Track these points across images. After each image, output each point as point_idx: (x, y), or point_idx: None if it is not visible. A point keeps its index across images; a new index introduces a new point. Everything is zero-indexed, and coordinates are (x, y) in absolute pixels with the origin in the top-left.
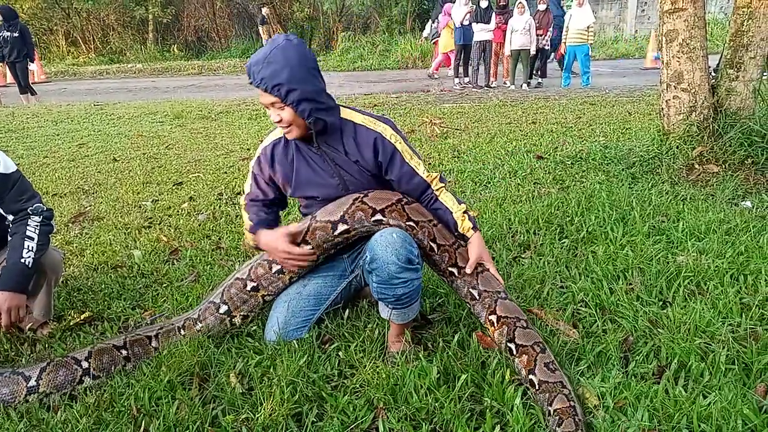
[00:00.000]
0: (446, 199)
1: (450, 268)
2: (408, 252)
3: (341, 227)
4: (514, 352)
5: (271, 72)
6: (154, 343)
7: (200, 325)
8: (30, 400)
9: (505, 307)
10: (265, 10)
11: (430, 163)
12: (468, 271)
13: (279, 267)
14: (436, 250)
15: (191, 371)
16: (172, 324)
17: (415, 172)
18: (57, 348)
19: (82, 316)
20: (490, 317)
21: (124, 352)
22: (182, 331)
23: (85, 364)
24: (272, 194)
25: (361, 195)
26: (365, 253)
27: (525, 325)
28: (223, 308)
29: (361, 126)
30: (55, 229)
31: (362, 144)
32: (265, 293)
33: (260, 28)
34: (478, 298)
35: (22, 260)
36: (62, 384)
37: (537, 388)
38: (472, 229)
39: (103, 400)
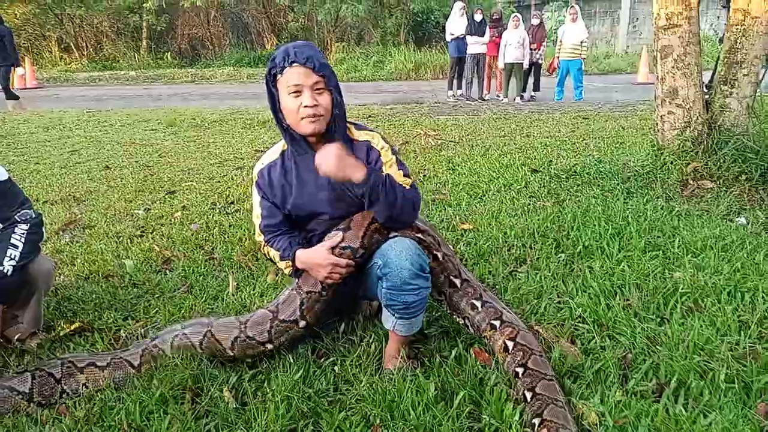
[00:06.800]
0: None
1: (453, 278)
2: (421, 259)
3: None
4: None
5: (315, 53)
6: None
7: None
8: None
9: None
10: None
11: (425, 175)
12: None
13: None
14: (440, 258)
15: (183, 385)
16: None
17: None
18: (45, 359)
19: (72, 327)
20: (492, 322)
21: None
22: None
23: None
24: (284, 215)
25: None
26: (375, 259)
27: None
28: None
29: (355, 140)
30: (45, 236)
31: (358, 156)
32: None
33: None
34: (480, 308)
35: (1, 268)
36: None
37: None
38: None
39: (92, 414)
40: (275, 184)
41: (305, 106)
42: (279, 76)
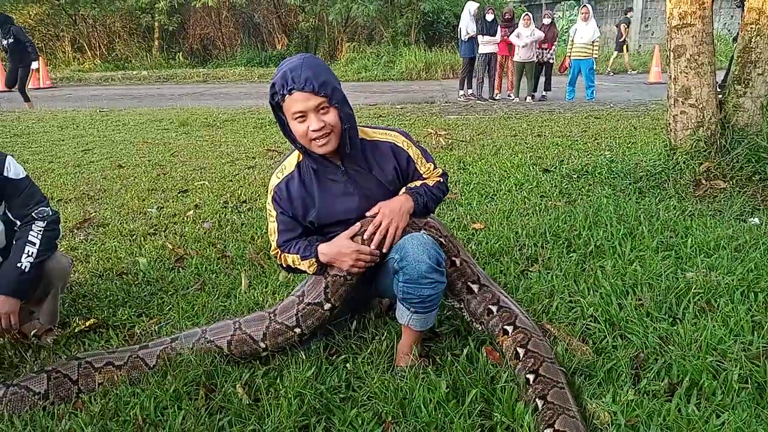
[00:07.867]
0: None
1: (471, 284)
2: (437, 254)
3: None
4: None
5: (314, 72)
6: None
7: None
8: None
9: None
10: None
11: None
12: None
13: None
14: (458, 264)
15: (197, 381)
16: None
17: (422, 175)
18: (61, 355)
19: (87, 323)
20: (505, 327)
21: None
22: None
23: None
24: (303, 228)
25: None
26: (391, 253)
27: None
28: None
29: (375, 140)
30: (61, 234)
31: (381, 157)
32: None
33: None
34: (495, 312)
35: (19, 265)
36: None
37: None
38: (409, 191)
39: (108, 409)
40: (294, 197)
41: (313, 130)
42: (282, 102)
